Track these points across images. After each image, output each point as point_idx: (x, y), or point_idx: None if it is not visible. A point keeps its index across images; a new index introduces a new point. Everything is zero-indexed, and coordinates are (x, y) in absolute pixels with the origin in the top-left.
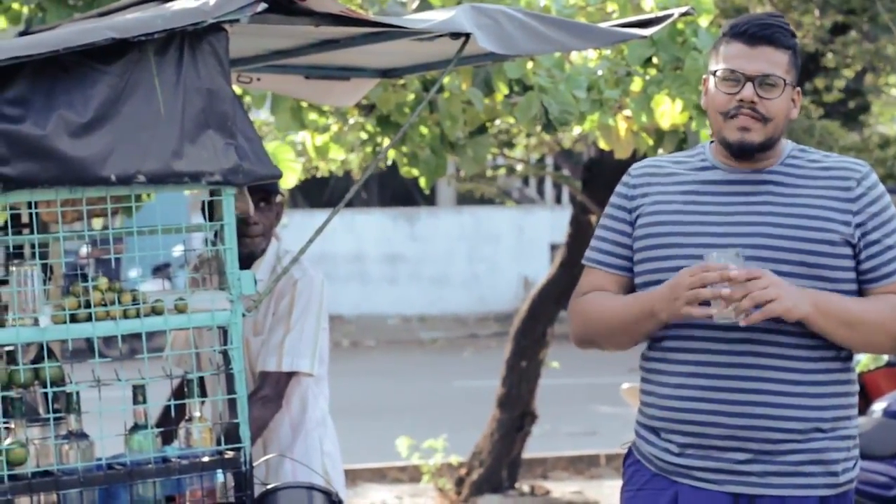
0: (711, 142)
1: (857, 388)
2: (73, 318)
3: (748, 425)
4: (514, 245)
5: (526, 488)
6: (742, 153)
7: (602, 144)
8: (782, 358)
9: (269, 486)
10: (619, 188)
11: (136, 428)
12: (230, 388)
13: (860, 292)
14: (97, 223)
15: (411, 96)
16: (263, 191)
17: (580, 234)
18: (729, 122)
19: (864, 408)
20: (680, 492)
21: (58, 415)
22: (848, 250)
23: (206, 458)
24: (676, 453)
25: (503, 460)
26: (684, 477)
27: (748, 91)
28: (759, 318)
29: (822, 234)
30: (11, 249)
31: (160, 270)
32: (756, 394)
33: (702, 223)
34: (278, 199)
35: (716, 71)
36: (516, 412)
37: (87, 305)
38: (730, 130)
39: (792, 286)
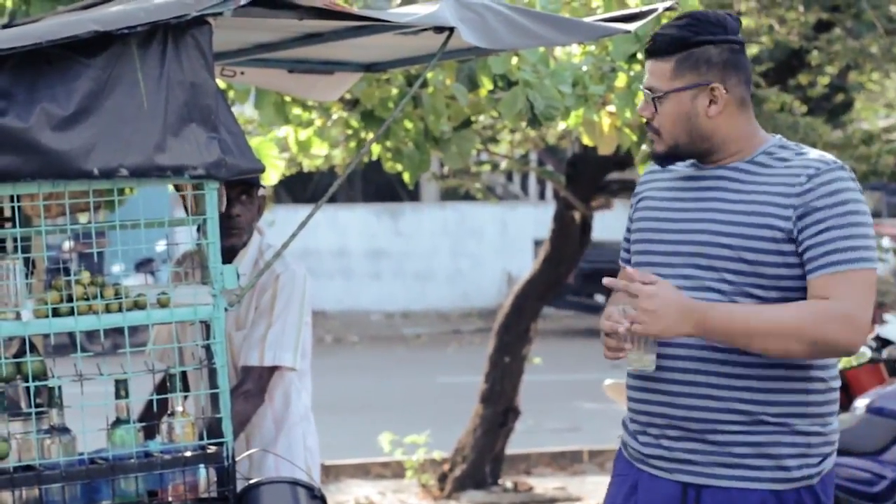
0: None
1: (828, 384)
2: (56, 313)
3: (690, 416)
4: (498, 241)
5: (509, 484)
6: (658, 162)
7: (586, 140)
8: (727, 352)
9: (251, 481)
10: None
11: (118, 422)
12: (213, 383)
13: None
14: (81, 218)
15: (395, 91)
16: (244, 184)
17: (564, 229)
18: None
19: (846, 404)
20: (640, 479)
21: (40, 409)
22: (790, 247)
23: (188, 453)
24: (636, 440)
25: (486, 456)
26: (643, 464)
27: (641, 105)
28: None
29: (763, 230)
30: None
31: (143, 265)
32: (695, 386)
33: (667, 220)
34: (260, 192)
35: None
36: (499, 408)
37: (70, 300)
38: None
39: (678, 303)
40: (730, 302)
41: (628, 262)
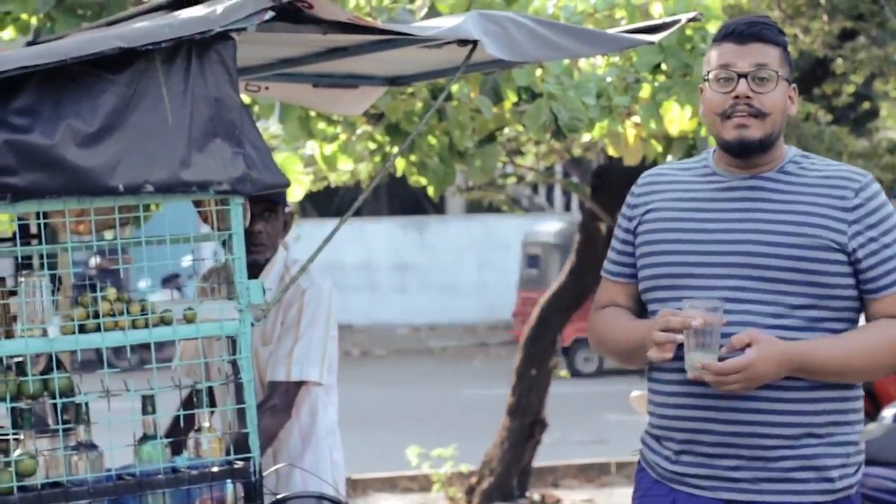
0: (716, 149)
1: (859, 392)
2: (82, 329)
3: (738, 431)
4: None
5: (536, 497)
6: (742, 151)
7: (611, 151)
8: None
9: (279, 496)
10: (627, 198)
11: (145, 438)
12: (239, 398)
13: (861, 301)
14: (107, 235)
15: (420, 104)
16: (269, 200)
17: (589, 241)
18: (726, 122)
19: (873, 414)
20: (677, 499)
21: (67, 426)
22: (843, 257)
23: (215, 469)
24: (673, 460)
25: (513, 469)
26: (680, 484)
27: (742, 87)
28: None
29: (814, 240)
30: (20, 260)
31: (170, 281)
32: (745, 400)
33: (697, 230)
34: (287, 209)
35: (709, 72)
36: (526, 420)
37: (96, 316)
38: (727, 130)
39: (777, 360)
40: (787, 317)
41: (628, 276)
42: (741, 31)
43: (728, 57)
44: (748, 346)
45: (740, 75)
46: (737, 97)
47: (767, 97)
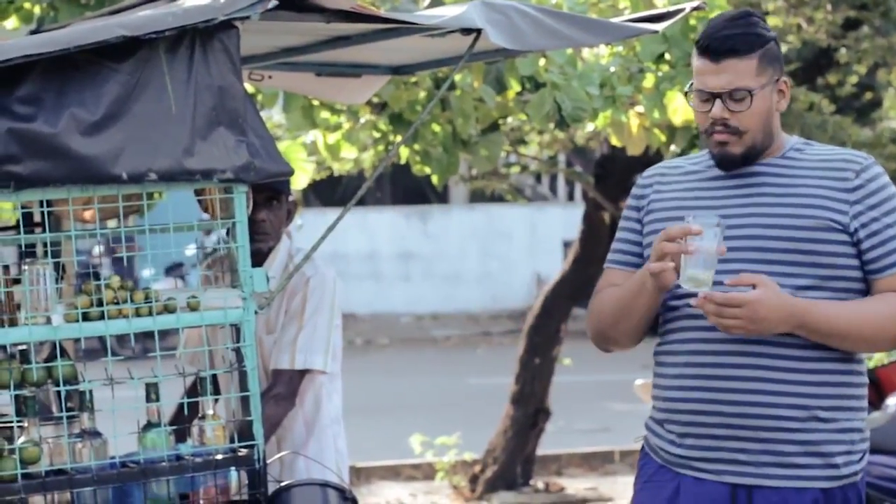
0: None
1: (863, 379)
2: (86, 317)
3: (741, 412)
4: (527, 242)
5: (540, 485)
6: (725, 166)
7: (614, 141)
8: (778, 345)
9: (282, 484)
10: (632, 189)
11: (149, 426)
12: (243, 386)
13: (866, 282)
14: (111, 224)
15: (423, 94)
16: (272, 189)
17: (593, 230)
18: (709, 137)
19: (878, 403)
20: (682, 483)
21: (71, 413)
22: (844, 237)
23: (219, 456)
24: (677, 444)
25: (517, 457)
26: (685, 468)
27: (717, 109)
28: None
29: (816, 220)
30: (24, 248)
31: (173, 270)
32: (749, 381)
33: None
34: (290, 198)
35: (691, 83)
36: (530, 409)
37: (100, 304)
38: (712, 145)
39: (780, 308)
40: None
41: (631, 264)
42: (715, 48)
43: (702, 76)
44: (754, 287)
45: (715, 96)
46: (713, 118)
47: (743, 115)
